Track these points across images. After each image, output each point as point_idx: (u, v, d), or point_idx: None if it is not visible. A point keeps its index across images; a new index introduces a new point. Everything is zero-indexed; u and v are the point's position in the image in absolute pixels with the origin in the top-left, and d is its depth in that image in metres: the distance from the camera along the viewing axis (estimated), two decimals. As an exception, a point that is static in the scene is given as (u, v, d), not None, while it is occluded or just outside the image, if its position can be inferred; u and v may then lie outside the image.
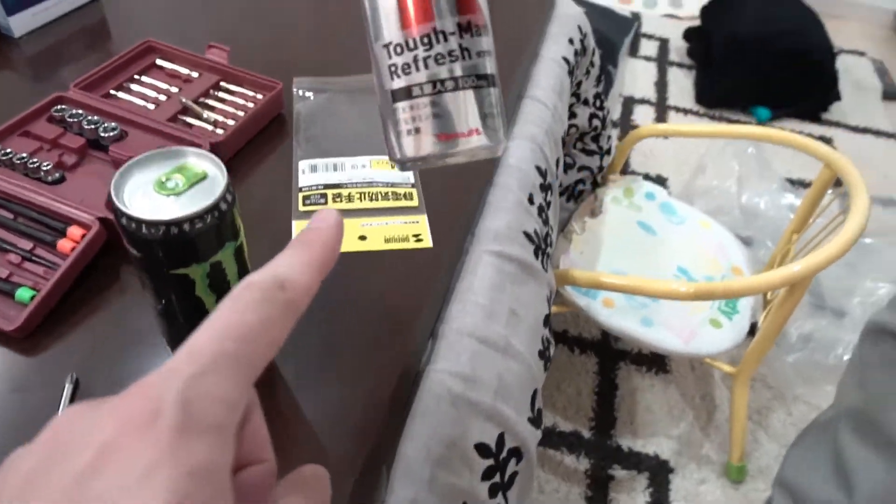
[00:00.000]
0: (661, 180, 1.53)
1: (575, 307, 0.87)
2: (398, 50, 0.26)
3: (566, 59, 0.87)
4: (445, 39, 0.26)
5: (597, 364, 1.09)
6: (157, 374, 0.17)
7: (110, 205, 0.30)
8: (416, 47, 0.26)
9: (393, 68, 0.26)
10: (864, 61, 2.11)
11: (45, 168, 0.51)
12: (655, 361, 1.09)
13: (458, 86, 0.27)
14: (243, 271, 0.35)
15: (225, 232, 0.32)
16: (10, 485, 0.16)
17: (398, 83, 0.26)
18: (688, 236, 1.00)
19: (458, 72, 0.26)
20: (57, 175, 0.51)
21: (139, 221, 0.30)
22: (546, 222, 0.68)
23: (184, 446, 0.16)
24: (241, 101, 0.63)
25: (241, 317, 0.19)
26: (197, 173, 0.32)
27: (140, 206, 0.30)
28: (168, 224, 0.30)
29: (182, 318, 0.35)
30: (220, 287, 0.34)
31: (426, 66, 0.26)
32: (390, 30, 0.26)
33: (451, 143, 0.27)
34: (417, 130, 0.27)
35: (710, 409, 1.05)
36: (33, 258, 0.46)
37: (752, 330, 0.91)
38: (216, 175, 0.32)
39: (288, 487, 0.22)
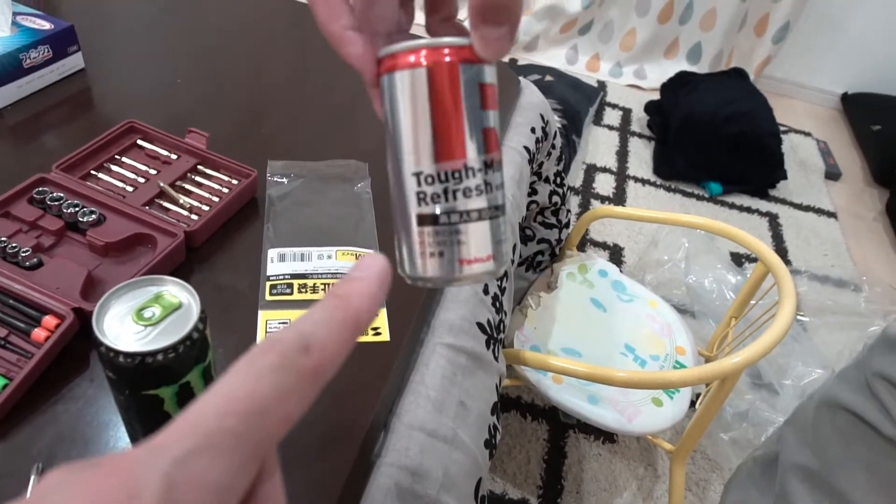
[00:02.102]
0: (617, 250, 1.61)
1: (526, 382, 0.91)
2: (429, 180, 0.28)
3: (527, 149, 0.93)
4: (474, 175, 0.29)
5: (547, 431, 1.13)
6: (144, 448, 0.15)
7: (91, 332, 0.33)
8: (447, 180, 0.28)
9: (421, 195, 0.28)
10: (809, 141, 2.26)
11: (23, 253, 0.53)
12: (603, 431, 1.14)
13: (481, 217, 0.29)
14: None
15: (194, 356, 0.36)
16: None
17: (425, 210, 0.28)
18: (636, 315, 1.06)
19: (482, 204, 0.29)
20: (34, 260, 0.54)
21: (117, 352, 0.33)
22: (500, 310, 0.73)
23: None
24: (216, 187, 0.66)
25: (253, 385, 0.17)
26: (172, 303, 0.35)
27: (118, 334, 0.33)
28: (143, 355, 0.33)
29: (147, 429, 0.38)
30: (189, 403, 0.37)
31: (455, 198, 0.28)
32: (423, 160, 0.28)
33: (468, 268, 0.29)
34: (441, 254, 0.29)
35: (652, 479, 1.10)
36: (7, 345, 0.48)
37: (695, 403, 0.96)
38: (190, 305, 0.36)
39: None
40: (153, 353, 0.33)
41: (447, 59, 0.28)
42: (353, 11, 0.29)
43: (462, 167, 0.29)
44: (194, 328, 0.34)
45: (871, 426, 0.65)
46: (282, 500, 0.20)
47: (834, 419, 0.70)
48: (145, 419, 0.37)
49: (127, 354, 0.33)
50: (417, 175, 0.29)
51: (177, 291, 0.36)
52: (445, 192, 0.29)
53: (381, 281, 0.21)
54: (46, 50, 0.75)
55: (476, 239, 0.30)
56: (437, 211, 0.29)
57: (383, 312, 0.60)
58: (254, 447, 0.16)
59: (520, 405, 1.16)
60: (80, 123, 0.74)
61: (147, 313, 0.35)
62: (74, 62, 0.79)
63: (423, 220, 0.29)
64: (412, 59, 0.28)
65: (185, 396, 0.36)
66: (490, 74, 0.29)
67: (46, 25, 0.76)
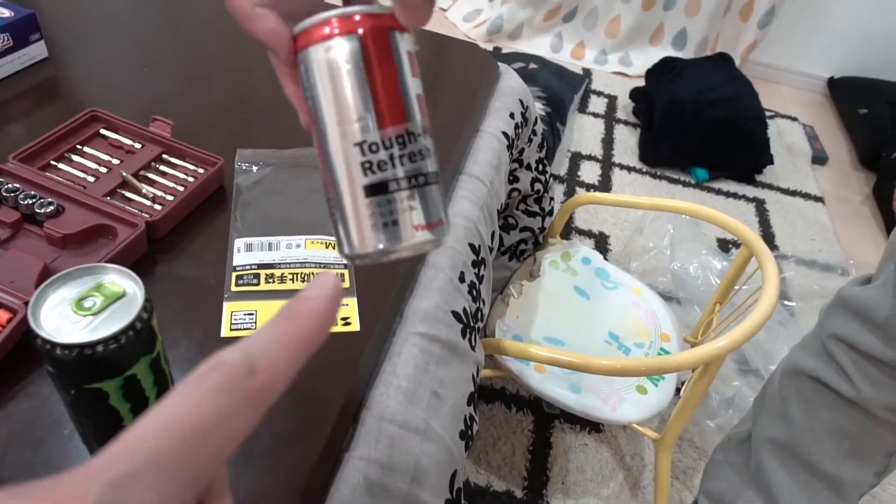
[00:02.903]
0: (602, 238, 1.60)
1: (508, 372, 0.90)
2: (373, 148, 0.28)
3: (505, 134, 0.91)
4: (416, 140, 0.29)
5: (532, 422, 1.12)
6: (81, 471, 0.15)
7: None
8: (392, 146, 0.28)
9: (367, 165, 0.28)
10: (796, 126, 2.26)
11: (-25, 246, 0.51)
12: (589, 421, 1.13)
13: (428, 181, 0.29)
14: (160, 379, 0.37)
15: (140, 347, 0.34)
16: None
17: (373, 178, 0.28)
18: (620, 302, 1.05)
19: (428, 168, 0.29)
20: (-13, 253, 0.52)
21: (53, 343, 0.31)
22: (476, 298, 0.71)
23: None
24: (181, 176, 0.64)
25: (195, 406, 0.16)
26: (115, 292, 0.34)
27: (56, 326, 0.32)
28: (82, 346, 0.31)
29: (95, 425, 0.36)
30: (136, 397, 0.35)
31: (402, 163, 0.28)
32: (366, 129, 0.28)
33: (422, 234, 0.29)
34: (394, 223, 0.28)
35: (639, 468, 1.09)
36: (-45, 342, 0.46)
37: (680, 390, 0.96)
38: (134, 293, 0.34)
39: None
40: (92, 345, 0.31)
41: (375, 26, 0.28)
42: None
43: (405, 132, 0.28)
44: (137, 317, 0.33)
45: (831, 388, 0.66)
46: None
47: (797, 387, 0.70)
48: (91, 415, 0.36)
49: (64, 346, 0.31)
50: (361, 144, 0.28)
51: (119, 279, 0.34)
52: (391, 158, 0.28)
53: (333, 300, 0.21)
54: (6, 38, 0.72)
55: (428, 203, 0.29)
56: (384, 178, 0.28)
57: (353, 302, 0.58)
58: (193, 469, 0.16)
59: (504, 396, 1.15)
60: (42, 114, 0.72)
61: (87, 303, 0.33)
62: (37, 51, 0.77)
63: (370, 190, 0.28)
64: (332, 30, 0.27)
65: (132, 390, 0.35)
66: (413, 43, 0.29)
67: (6, 13, 0.73)
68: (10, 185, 0.57)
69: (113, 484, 0.15)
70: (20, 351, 0.47)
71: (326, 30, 0.28)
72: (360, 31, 0.27)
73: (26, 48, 0.75)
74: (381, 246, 0.29)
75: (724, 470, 0.80)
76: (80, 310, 0.32)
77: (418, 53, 0.30)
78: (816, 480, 0.67)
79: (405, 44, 0.29)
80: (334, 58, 0.28)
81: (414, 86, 0.29)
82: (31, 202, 0.56)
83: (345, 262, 0.61)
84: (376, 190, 0.28)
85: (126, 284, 0.34)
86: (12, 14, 0.73)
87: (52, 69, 0.78)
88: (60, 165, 0.62)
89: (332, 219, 0.30)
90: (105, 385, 0.33)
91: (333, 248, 0.61)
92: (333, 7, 0.28)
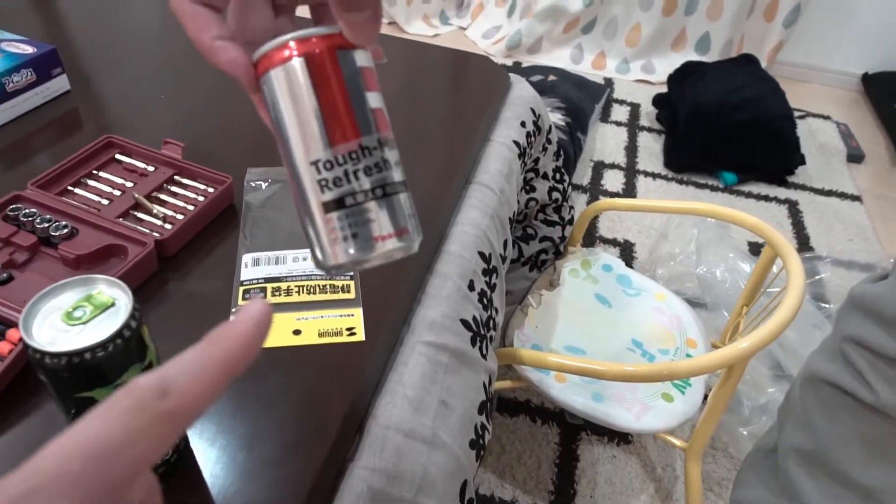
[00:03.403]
0: (628, 245, 1.57)
1: (528, 382, 0.89)
2: (327, 166, 0.29)
3: (517, 143, 0.91)
4: (370, 154, 0.29)
5: (558, 435, 1.10)
6: None
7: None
8: (345, 162, 0.29)
9: (322, 182, 0.29)
10: (829, 125, 2.19)
11: (-7, 269, 0.53)
12: (617, 432, 1.10)
13: (385, 193, 0.30)
14: (153, 388, 0.37)
15: (130, 355, 0.35)
16: None
17: (329, 196, 0.29)
18: (643, 309, 1.02)
19: (384, 180, 0.30)
20: (4, 276, 0.54)
21: (42, 352, 0.32)
22: (488, 306, 0.71)
23: None
24: (192, 196, 0.66)
25: (103, 428, 0.17)
26: (104, 302, 0.34)
27: (46, 336, 0.33)
28: (70, 354, 0.32)
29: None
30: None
31: (356, 178, 0.29)
32: (317, 148, 0.29)
33: (382, 244, 0.29)
34: (354, 236, 0.29)
35: (671, 480, 1.06)
36: (-29, 360, 0.48)
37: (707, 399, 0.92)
38: (123, 302, 0.35)
39: None
40: (80, 353, 0.32)
41: (321, 46, 0.29)
42: (224, 23, 0.30)
43: (357, 147, 0.29)
44: (125, 325, 0.33)
45: (850, 394, 0.62)
46: None
47: (817, 394, 0.67)
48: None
49: (53, 355, 0.32)
50: (315, 164, 0.29)
51: (108, 289, 0.35)
52: (346, 174, 0.29)
53: (259, 324, 0.21)
54: (29, 73, 0.76)
55: (395, 212, 0.30)
56: (341, 194, 0.29)
57: (359, 312, 0.58)
58: (99, 489, 0.16)
59: (528, 409, 1.13)
60: (64, 143, 0.75)
61: (77, 313, 0.34)
62: (59, 84, 0.80)
63: (329, 206, 0.29)
64: (286, 53, 0.29)
65: (124, 399, 0.35)
66: (365, 58, 0.30)
67: (29, 49, 0.77)
68: (27, 210, 0.59)
69: (14, 500, 0.15)
70: (29, 367, 0.49)
71: (276, 55, 0.29)
72: (303, 53, 0.28)
73: (48, 82, 0.79)
74: (347, 258, 0.30)
75: (753, 482, 0.76)
76: (70, 320, 0.33)
77: (372, 68, 0.31)
78: (847, 491, 0.64)
79: (358, 60, 0.30)
80: (284, 81, 0.29)
81: (370, 100, 0.30)
82: (46, 225, 0.58)
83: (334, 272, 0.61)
84: (335, 206, 0.29)
85: (115, 294, 0.35)
86: (35, 50, 0.77)
87: (75, 101, 0.81)
88: (77, 190, 0.64)
89: (304, 232, 0.31)
90: (97, 394, 0.34)
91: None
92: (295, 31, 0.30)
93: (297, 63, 0.29)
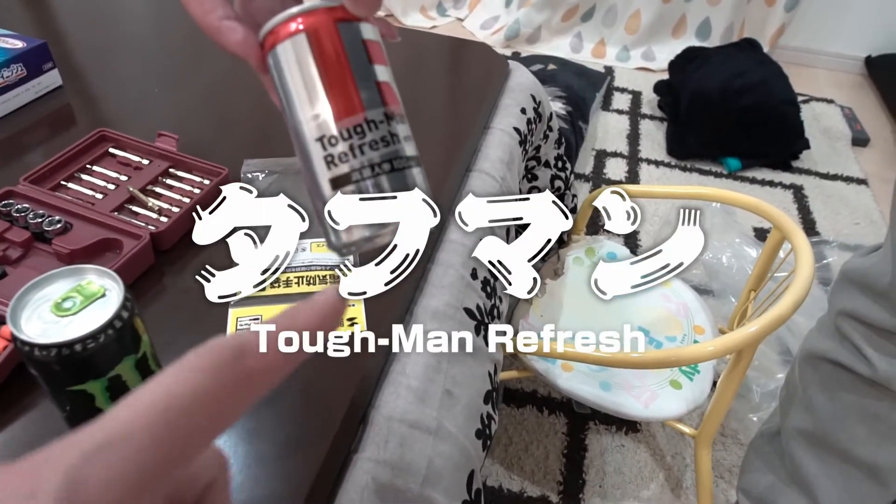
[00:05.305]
0: (632, 233, 1.55)
1: (534, 372, 0.88)
2: (333, 141, 0.28)
3: (517, 130, 0.90)
4: (377, 127, 0.28)
5: (566, 425, 1.08)
6: (61, 443, 0.15)
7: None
8: (351, 136, 0.28)
9: (329, 159, 0.28)
10: (832, 109, 2.17)
11: (-15, 265, 0.52)
12: (625, 421, 1.09)
13: (394, 167, 0.29)
14: (148, 380, 0.36)
15: (122, 347, 0.33)
16: None
17: (336, 172, 0.28)
18: (649, 296, 1.01)
19: (392, 154, 0.29)
20: (-3, 272, 0.53)
21: (31, 345, 0.31)
22: (492, 294, 0.69)
23: None
24: (187, 188, 0.65)
25: (180, 384, 0.17)
26: (94, 292, 0.33)
27: (35, 328, 0.31)
28: (59, 346, 0.31)
29: (85, 429, 0.36)
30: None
31: (363, 152, 0.28)
32: (323, 123, 0.28)
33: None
34: None
35: (681, 468, 1.04)
36: (-36, 358, 0.47)
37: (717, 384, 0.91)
38: (114, 292, 0.34)
39: None
40: (69, 344, 0.31)
41: (323, 19, 0.28)
42: (229, 3, 0.29)
43: (363, 121, 0.28)
44: (116, 316, 0.32)
45: (848, 369, 0.62)
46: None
47: (816, 372, 0.66)
48: (80, 419, 0.35)
49: (42, 347, 0.31)
50: (321, 139, 0.28)
51: (98, 279, 0.34)
52: (352, 148, 0.28)
53: (333, 306, 0.22)
54: (20, 68, 0.75)
55: (405, 186, 0.29)
56: (349, 169, 0.28)
57: (360, 302, 0.57)
58: (178, 443, 0.16)
59: (535, 399, 1.12)
60: (57, 139, 0.74)
61: (67, 304, 0.33)
62: (51, 79, 0.79)
63: (337, 182, 0.28)
64: (291, 27, 0.28)
65: (118, 392, 0.34)
66: (371, 31, 0.29)
67: (18, 44, 0.76)
68: (19, 206, 0.58)
69: (86, 454, 0.15)
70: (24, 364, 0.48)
71: (281, 30, 0.28)
72: (304, 27, 0.28)
73: (40, 77, 0.77)
74: (358, 235, 0.29)
75: (759, 467, 0.75)
76: (59, 311, 0.32)
77: (378, 41, 0.30)
78: (852, 468, 0.63)
79: (361, 33, 0.29)
80: (288, 57, 0.28)
81: (377, 73, 0.29)
82: (39, 221, 0.57)
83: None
84: (343, 181, 0.28)
85: (106, 284, 0.34)
86: (25, 45, 0.75)
87: (67, 96, 0.80)
88: (70, 185, 0.63)
89: (315, 213, 0.30)
90: (90, 386, 0.33)
91: (338, 250, 0.61)
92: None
93: (301, 37, 0.28)
